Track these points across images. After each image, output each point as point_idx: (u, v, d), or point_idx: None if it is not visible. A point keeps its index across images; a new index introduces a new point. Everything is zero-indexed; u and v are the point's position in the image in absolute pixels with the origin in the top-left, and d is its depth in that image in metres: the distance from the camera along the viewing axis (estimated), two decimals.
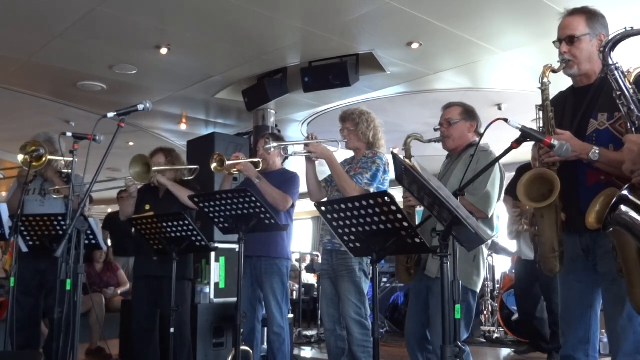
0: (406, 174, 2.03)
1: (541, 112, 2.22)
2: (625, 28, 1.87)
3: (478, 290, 2.82)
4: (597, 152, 2.01)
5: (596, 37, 2.18)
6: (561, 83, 2.35)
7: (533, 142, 2.14)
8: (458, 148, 2.95)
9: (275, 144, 3.66)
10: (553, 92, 2.31)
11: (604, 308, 2.18)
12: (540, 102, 2.25)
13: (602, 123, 2.12)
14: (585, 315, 2.22)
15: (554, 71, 2.21)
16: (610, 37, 1.94)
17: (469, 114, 2.98)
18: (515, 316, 6.09)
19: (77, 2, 4.48)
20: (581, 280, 2.21)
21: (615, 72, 1.91)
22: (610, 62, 1.91)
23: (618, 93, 1.91)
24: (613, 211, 1.70)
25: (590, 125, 2.15)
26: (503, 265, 7.57)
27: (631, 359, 2.05)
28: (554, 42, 2.26)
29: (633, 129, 1.89)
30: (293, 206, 3.77)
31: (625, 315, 2.04)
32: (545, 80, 2.20)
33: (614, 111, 2.06)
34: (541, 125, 2.22)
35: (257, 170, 3.67)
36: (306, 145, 3.29)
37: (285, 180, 3.75)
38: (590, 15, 2.22)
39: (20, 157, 3.52)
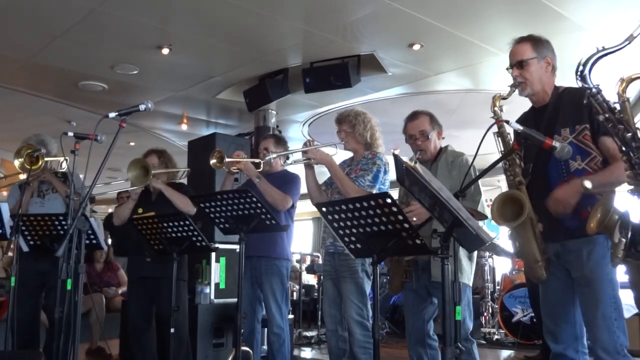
0: (407, 175, 2.03)
1: (500, 138, 2.38)
2: (597, 48, 1.89)
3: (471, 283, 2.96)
4: (588, 181, 2.09)
5: (543, 60, 2.38)
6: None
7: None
8: (432, 157, 3.06)
9: (274, 155, 3.66)
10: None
11: (581, 309, 2.27)
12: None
13: (565, 137, 2.26)
14: (569, 312, 2.30)
15: (504, 98, 2.39)
16: (585, 59, 1.90)
17: (435, 119, 3.12)
18: (516, 318, 6.09)
19: (78, 2, 4.49)
20: (560, 279, 2.31)
21: (599, 96, 1.89)
22: (591, 85, 1.87)
23: (606, 115, 1.83)
24: (634, 246, 1.72)
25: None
26: (503, 266, 7.57)
27: (609, 357, 2.13)
28: (507, 69, 2.45)
29: (629, 151, 1.79)
30: (293, 207, 3.76)
31: (599, 315, 2.15)
32: (496, 109, 2.38)
33: (575, 124, 2.23)
34: (502, 149, 2.38)
35: (259, 170, 3.67)
36: (305, 152, 3.29)
37: (286, 181, 3.74)
38: (535, 41, 2.41)
39: (17, 163, 3.52)
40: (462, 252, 2.76)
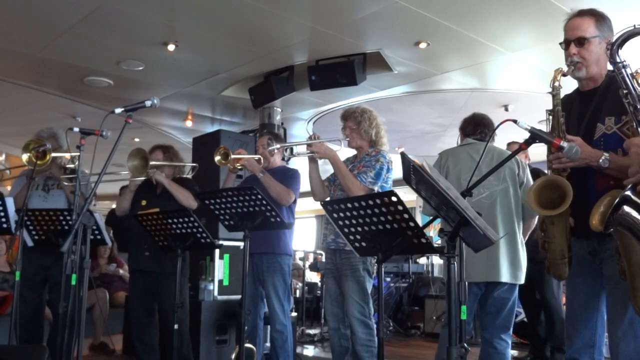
0: (414, 174, 2.02)
1: (551, 117, 2.20)
2: (635, 25, 1.86)
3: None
4: (607, 158, 2.00)
5: (605, 40, 2.17)
6: (567, 85, 2.34)
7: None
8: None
9: (278, 145, 3.65)
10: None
11: (607, 311, 2.17)
12: (549, 105, 2.22)
13: (609, 127, 2.11)
14: (591, 318, 2.21)
15: (564, 75, 2.18)
16: (618, 34, 1.93)
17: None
18: (518, 318, 6.06)
19: None
20: (587, 283, 2.21)
21: (623, 71, 1.90)
22: (618, 60, 1.90)
23: (625, 91, 1.90)
24: (615, 211, 1.68)
25: (597, 130, 2.14)
26: None
27: None
28: (560, 44, 2.24)
29: (638, 129, 1.89)
30: (295, 202, 3.77)
31: (626, 320, 2.04)
32: (557, 84, 2.18)
33: (621, 115, 2.05)
34: (550, 129, 2.20)
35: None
36: (309, 145, 3.29)
37: (286, 176, 3.74)
38: (599, 17, 2.20)
39: (25, 157, 3.51)
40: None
